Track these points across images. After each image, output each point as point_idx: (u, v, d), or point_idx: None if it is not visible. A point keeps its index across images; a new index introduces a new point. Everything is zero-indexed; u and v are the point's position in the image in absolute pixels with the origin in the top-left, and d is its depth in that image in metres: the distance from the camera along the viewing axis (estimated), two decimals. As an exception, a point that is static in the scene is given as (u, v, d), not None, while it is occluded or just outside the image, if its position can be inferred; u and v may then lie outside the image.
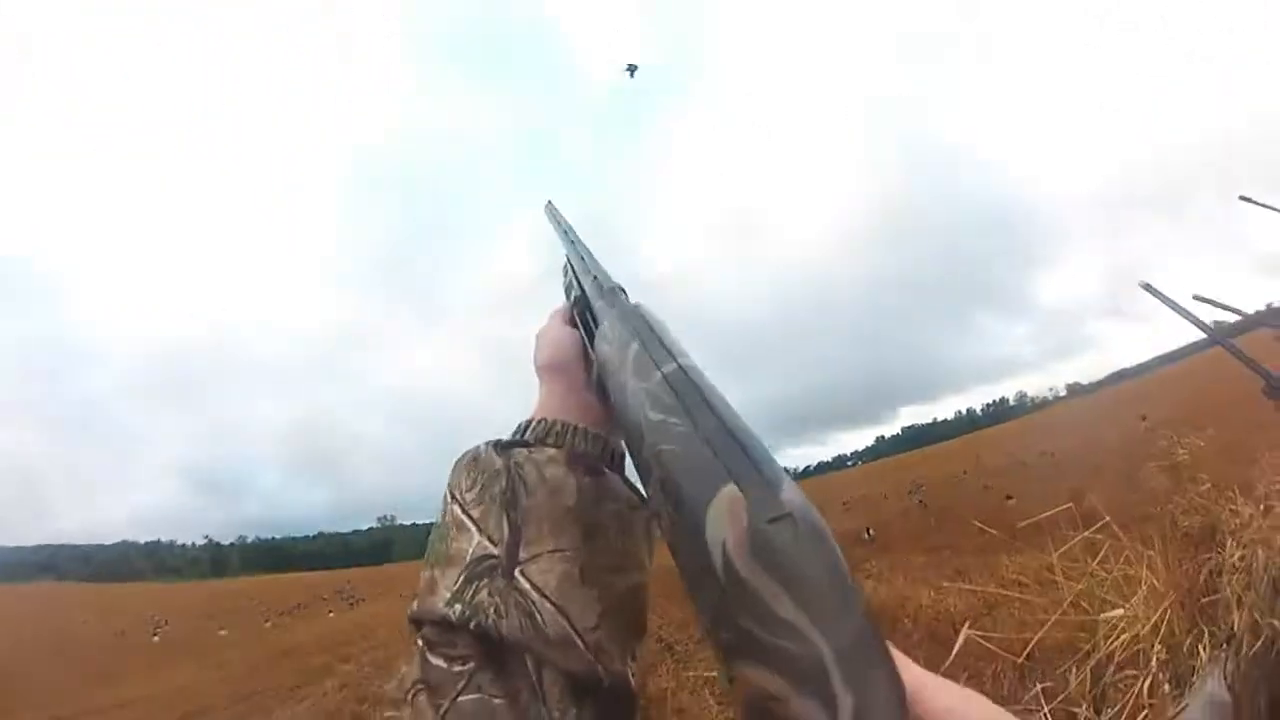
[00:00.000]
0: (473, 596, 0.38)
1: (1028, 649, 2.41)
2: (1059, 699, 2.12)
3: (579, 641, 0.38)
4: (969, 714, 0.27)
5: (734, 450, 0.26)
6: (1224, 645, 1.57)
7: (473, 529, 0.41)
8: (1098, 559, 2.40)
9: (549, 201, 0.66)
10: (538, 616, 0.38)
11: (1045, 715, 2.05)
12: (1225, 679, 1.51)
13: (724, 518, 0.24)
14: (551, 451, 0.44)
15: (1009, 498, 11.16)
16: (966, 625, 2.46)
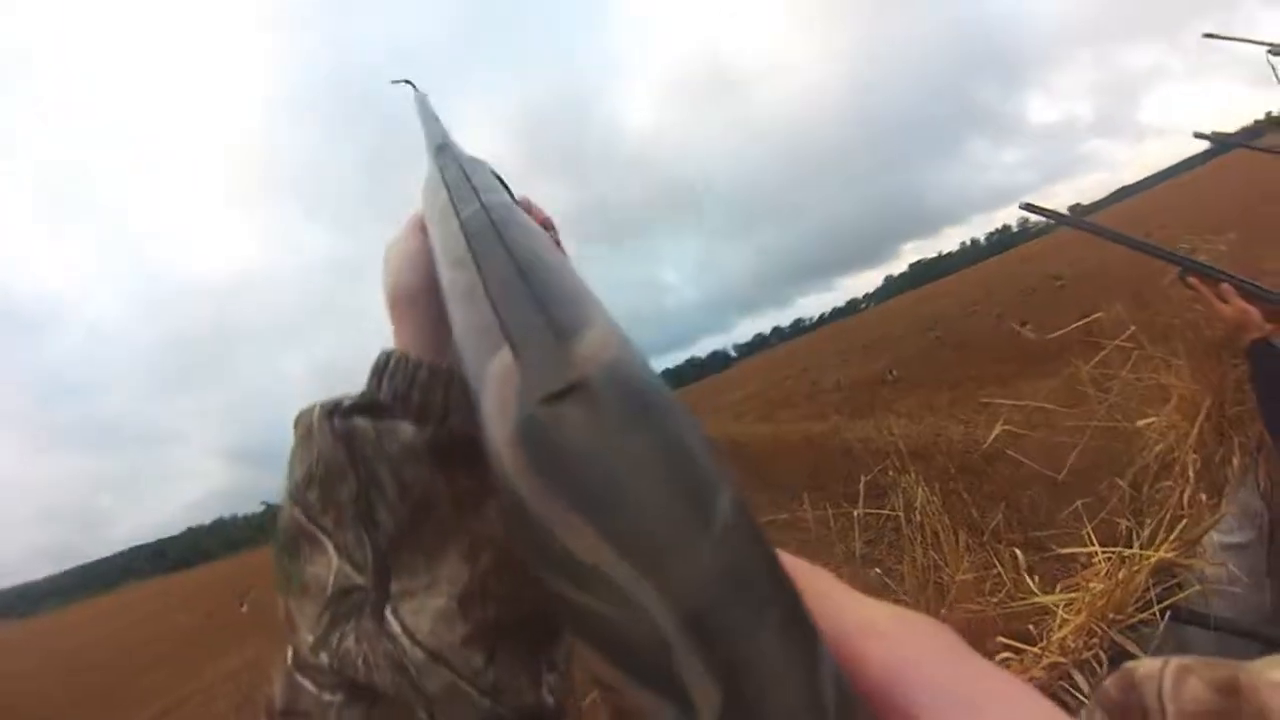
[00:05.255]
0: (339, 643, 0.31)
1: (1068, 464, 2.42)
2: (1100, 515, 2.15)
3: (469, 689, 0.31)
4: (919, 666, 0.14)
5: (519, 297, 0.15)
6: (1254, 454, 1.55)
7: (328, 547, 0.32)
8: (1127, 366, 2.35)
9: (417, 90, 0.54)
10: (411, 670, 0.30)
11: (1089, 531, 2.09)
12: (1258, 487, 1.50)
13: (494, 405, 0.14)
14: (407, 435, 0.33)
15: (1024, 323, 11.20)
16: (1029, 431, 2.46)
